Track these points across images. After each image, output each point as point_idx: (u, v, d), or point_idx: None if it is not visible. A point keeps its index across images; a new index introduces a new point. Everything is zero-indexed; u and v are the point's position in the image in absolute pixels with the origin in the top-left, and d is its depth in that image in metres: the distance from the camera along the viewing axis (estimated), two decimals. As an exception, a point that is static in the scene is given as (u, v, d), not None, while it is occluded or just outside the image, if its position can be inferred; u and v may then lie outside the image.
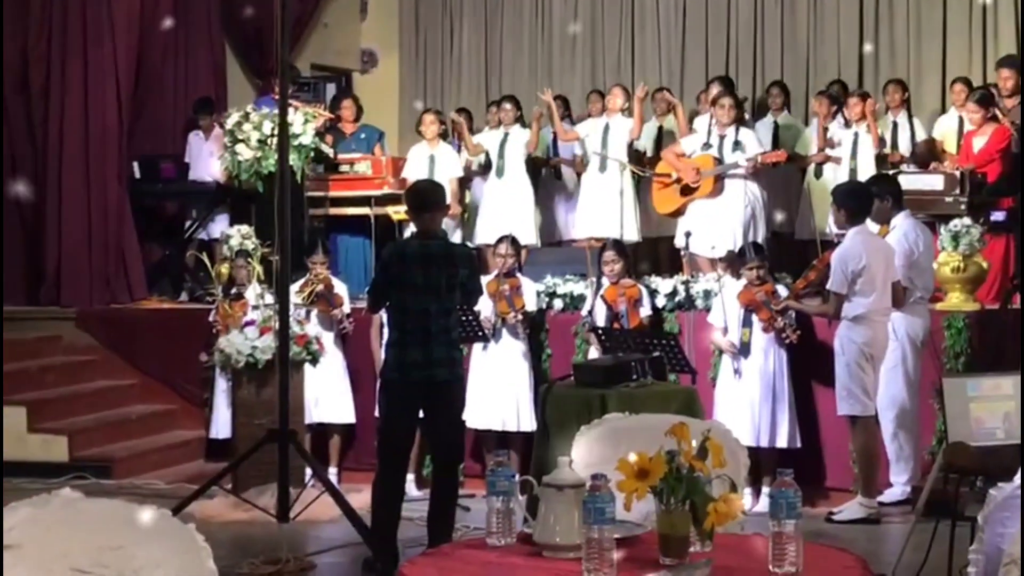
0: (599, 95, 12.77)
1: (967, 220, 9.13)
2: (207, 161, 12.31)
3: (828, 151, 11.53)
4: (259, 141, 10.94)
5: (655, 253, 12.27)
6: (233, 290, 10.10)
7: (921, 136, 11.66)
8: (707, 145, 10.80)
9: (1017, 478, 3.91)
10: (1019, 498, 3.89)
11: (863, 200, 8.45)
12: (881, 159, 11.25)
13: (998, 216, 8.70)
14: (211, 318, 10.04)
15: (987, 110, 10.57)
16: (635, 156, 11.86)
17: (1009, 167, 10.42)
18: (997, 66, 11.78)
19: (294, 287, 9.54)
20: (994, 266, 9.44)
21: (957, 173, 9.94)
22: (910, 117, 11.82)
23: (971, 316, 8.82)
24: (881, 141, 11.35)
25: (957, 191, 9.72)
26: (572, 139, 12.22)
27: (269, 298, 9.13)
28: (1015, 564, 3.60)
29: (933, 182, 9.92)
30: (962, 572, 3.88)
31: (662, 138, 12.42)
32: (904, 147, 11.55)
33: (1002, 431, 5.08)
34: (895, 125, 11.71)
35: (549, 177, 12.76)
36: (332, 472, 9.79)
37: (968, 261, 9.02)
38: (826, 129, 11.67)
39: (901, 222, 8.65)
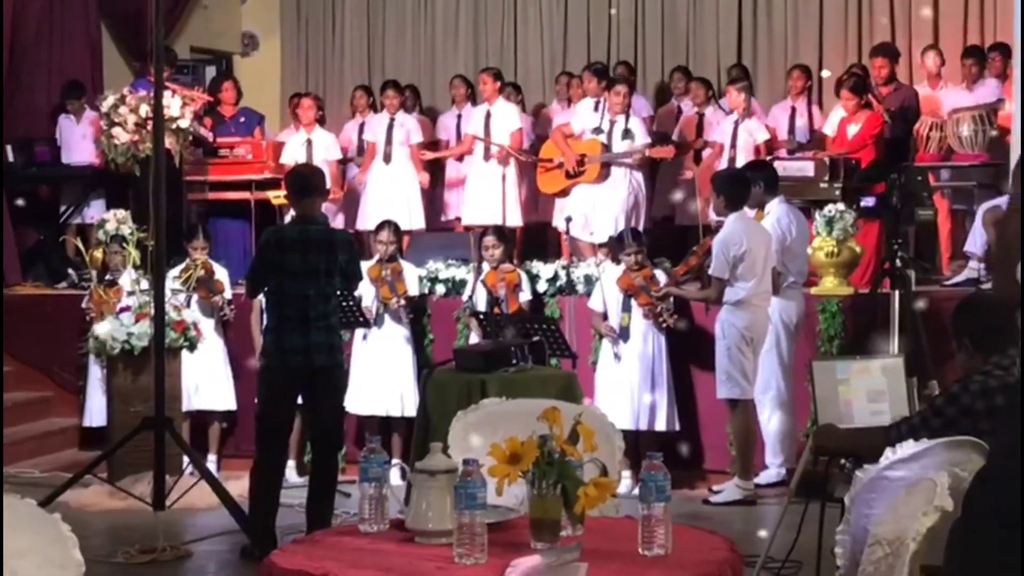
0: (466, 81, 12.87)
1: (841, 206, 9.27)
2: (79, 144, 12.11)
3: (707, 138, 11.65)
4: (136, 124, 10.78)
5: (542, 239, 12.31)
6: (108, 276, 9.95)
7: (819, 123, 11.75)
8: (598, 130, 10.86)
9: (883, 459, 3.99)
10: (885, 479, 3.97)
11: (741, 186, 8.56)
12: (772, 146, 11.38)
13: (868, 202, 8.84)
14: (84, 304, 9.88)
15: (861, 97, 10.75)
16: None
17: (882, 153, 10.61)
18: (871, 54, 11.97)
19: (173, 272, 9.44)
20: (867, 251, 9.60)
21: (827, 159, 10.09)
22: (809, 104, 11.93)
23: (844, 300, 8.96)
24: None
25: (828, 177, 9.86)
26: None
27: (145, 284, 9.01)
28: (879, 544, 3.67)
29: (804, 168, 10.06)
30: (832, 552, 3.94)
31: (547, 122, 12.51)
32: (801, 134, 11.65)
33: (869, 414, 5.18)
34: (793, 110, 11.81)
35: (432, 163, 12.75)
36: (212, 459, 9.72)
37: (842, 246, 9.16)
38: (702, 115, 11.78)
39: (775, 208, 8.79)
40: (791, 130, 11.65)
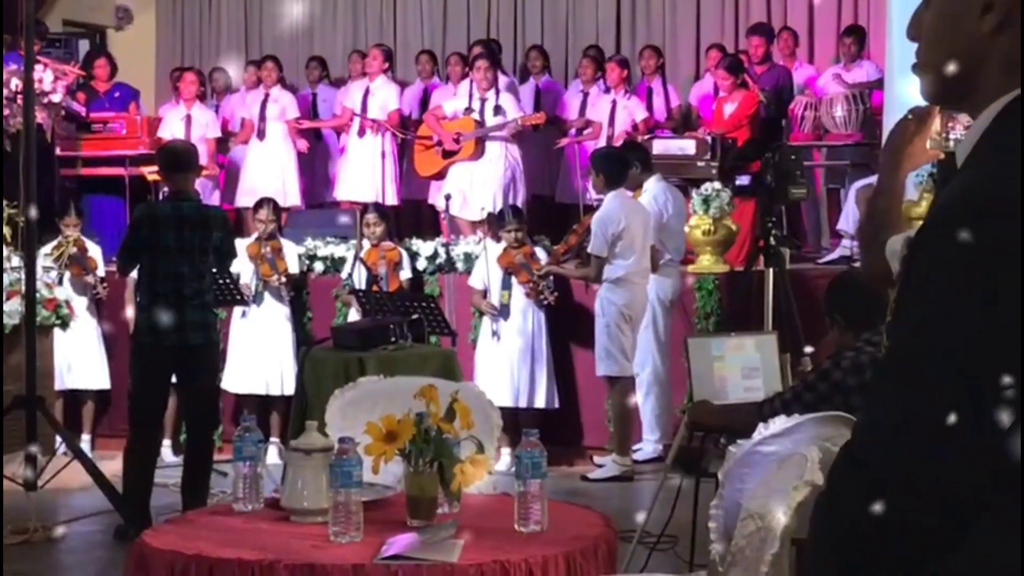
0: (360, 55, 12.70)
1: (717, 184, 9.36)
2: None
3: (587, 116, 11.69)
4: (6, 99, 10.53)
5: (419, 217, 12.28)
6: (-24, 253, 9.73)
7: (676, 102, 11.90)
8: (469, 109, 10.85)
9: (756, 434, 4.03)
10: (757, 454, 4.02)
11: (620, 165, 8.62)
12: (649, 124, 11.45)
13: (744, 180, 8.96)
14: (-49, 282, 9.66)
15: (737, 77, 10.86)
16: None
17: (757, 132, 10.74)
18: (748, 33, 12.10)
19: (45, 250, 9.27)
20: (743, 229, 9.71)
21: (708, 138, 10.19)
22: (664, 83, 12.04)
23: (721, 278, 9.06)
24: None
25: (708, 156, 9.96)
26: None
27: (16, 261, 8.83)
28: (751, 518, 3.71)
29: (685, 147, 10.16)
30: (707, 526, 3.98)
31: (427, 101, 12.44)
32: (659, 112, 11.76)
33: (744, 389, 5.25)
34: (650, 91, 11.91)
35: (312, 138, 12.65)
36: (86, 439, 9.57)
37: (718, 224, 9.25)
38: (586, 94, 11.82)
39: (652, 186, 8.87)
40: (649, 109, 11.74)
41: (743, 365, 5.37)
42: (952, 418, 1.48)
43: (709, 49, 12.23)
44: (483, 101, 10.82)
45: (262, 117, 11.78)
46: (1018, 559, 1.48)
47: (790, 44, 11.87)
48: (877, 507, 1.51)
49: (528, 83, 12.61)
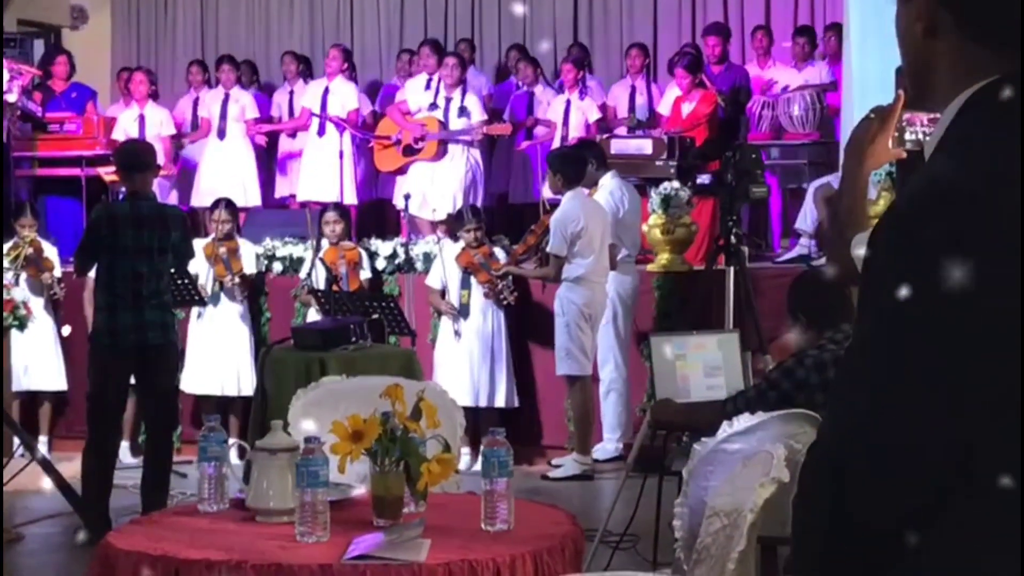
0: (293, 57, 12.76)
1: (676, 183, 9.38)
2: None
3: (537, 116, 11.68)
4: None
5: (380, 216, 12.24)
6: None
7: (657, 102, 11.80)
8: (433, 106, 10.85)
9: (720, 432, 4.05)
10: (722, 452, 4.04)
11: (577, 164, 8.64)
12: (606, 125, 11.45)
13: (704, 179, 8.99)
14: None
15: (695, 76, 10.88)
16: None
17: (716, 131, 10.77)
18: (704, 33, 12.12)
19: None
20: (702, 228, 9.73)
21: (665, 138, 10.21)
22: (648, 83, 12.01)
23: (680, 277, 9.08)
24: (604, 107, 11.58)
25: (665, 155, 9.99)
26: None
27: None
28: (717, 516, 3.73)
29: (643, 146, 10.17)
30: (670, 524, 4.00)
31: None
32: (640, 112, 11.72)
33: (706, 388, 5.26)
34: (633, 89, 11.87)
35: (270, 138, 12.61)
36: (43, 441, 9.49)
37: (677, 223, 9.26)
38: (532, 93, 11.80)
39: (608, 182, 8.92)
40: (631, 108, 11.73)
41: (705, 363, 5.39)
42: (915, 411, 1.49)
43: (630, 48, 12.22)
44: (448, 100, 10.82)
45: (223, 116, 11.74)
46: (986, 551, 1.49)
47: (764, 43, 11.87)
48: (847, 503, 1.52)
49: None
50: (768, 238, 11.06)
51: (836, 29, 11.18)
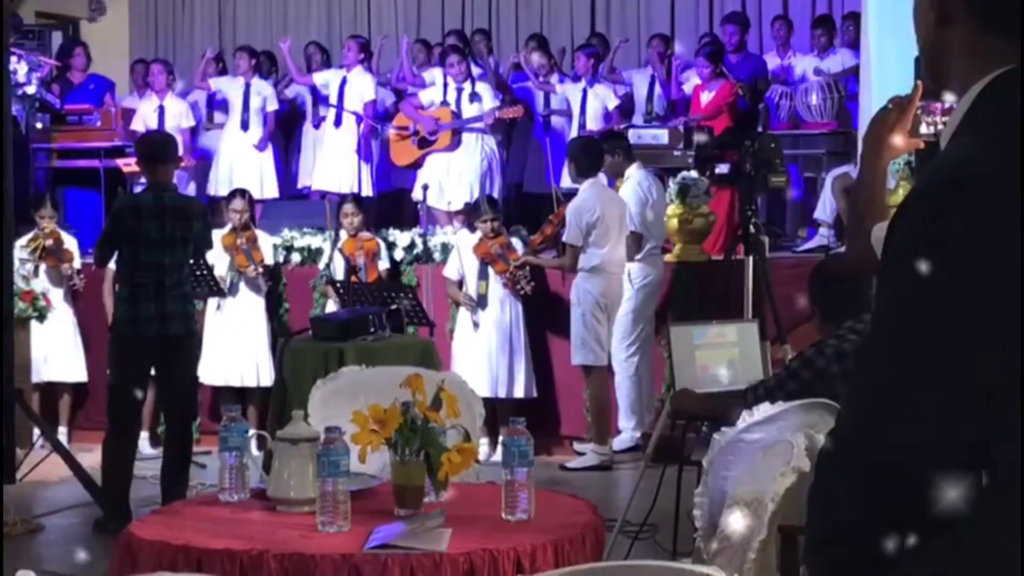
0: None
1: (694, 173, 9.37)
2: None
3: (554, 106, 11.65)
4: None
5: (398, 207, 12.24)
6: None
7: (675, 92, 11.76)
8: (445, 102, 10.86)
9: (740, 422, 4.06)
10: (742, 442, 4.04)
11: (594, 154, 8.63)
12: (626, 113, 11.42)
13: (723, 169, 8.97)
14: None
15: (715, 65, 10.85)
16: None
17: (735, 121, 10.75)
18: (722, 22, 12.09)
19: (21, 242, 9.25)
20: (720, 218, 9.71)
21: (682, 127, 10.19)
22: (668, 72, 11.96)
23: (698, 267, 9.07)
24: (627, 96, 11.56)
25: (682, 145, 9.96)
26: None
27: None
28: (738, 505, 3.73)
29: (660, 136, 10.15)
30: (689, 515, 4.00)
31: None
32: (659, 102, 11.67)
33: (726, 378, 5.26)
34: (652, 79, 11.83)
35: (291, 129, 12.61)
36: (62, 431, 9.52)
37: (695, 213, 9.25)
38: (546, 82, 11.75)
39: (634, 172, 8.89)
40: (649, 98, 11.69)
41: (724, 353, 5.38)
42: (930, 398, 1.48)
43: (652, 39, 12.19)
44: (459, 90, 10.83)
45: (244, 108, 11.73)
46: (1007, 539, 1.49)
47: (783, 33, 11.84)
48: (863, 492, 1.51)
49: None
50: (788, 227, 11.02)
51: (854, 18, 11.12)
